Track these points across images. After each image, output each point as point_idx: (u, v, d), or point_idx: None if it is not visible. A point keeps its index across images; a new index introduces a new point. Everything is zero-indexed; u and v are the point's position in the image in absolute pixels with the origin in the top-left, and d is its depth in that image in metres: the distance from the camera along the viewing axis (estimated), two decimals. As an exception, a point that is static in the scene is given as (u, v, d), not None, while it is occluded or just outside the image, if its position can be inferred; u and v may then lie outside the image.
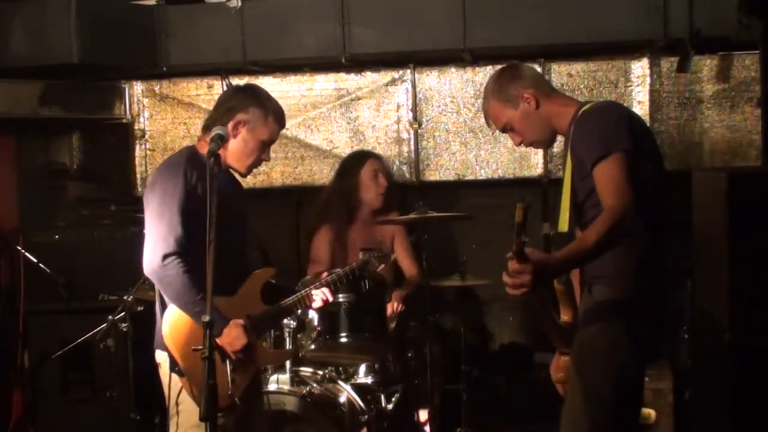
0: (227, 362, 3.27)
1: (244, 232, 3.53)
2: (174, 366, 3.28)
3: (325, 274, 3.63)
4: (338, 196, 4.71)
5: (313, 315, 4.10)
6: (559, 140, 3.28)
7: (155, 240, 3.25)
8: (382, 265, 3.84)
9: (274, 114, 3.40)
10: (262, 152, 3.42)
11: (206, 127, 3.41)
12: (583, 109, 3.03)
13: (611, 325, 2.96)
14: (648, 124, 4.71)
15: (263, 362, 3.49)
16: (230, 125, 3.33)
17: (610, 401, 2.94)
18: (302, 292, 3.53)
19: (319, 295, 3.54)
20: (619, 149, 2.84)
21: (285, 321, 3.94)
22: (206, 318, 2.75)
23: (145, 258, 3.27)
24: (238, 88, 3.50)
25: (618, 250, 2.83)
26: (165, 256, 3.20)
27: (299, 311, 3.62)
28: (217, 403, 3.08)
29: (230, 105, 3.37)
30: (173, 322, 3.29)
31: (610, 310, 2.96)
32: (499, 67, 3.33)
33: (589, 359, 2.96)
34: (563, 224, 2.95)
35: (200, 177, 3.28)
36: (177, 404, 3.32)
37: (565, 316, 3.07)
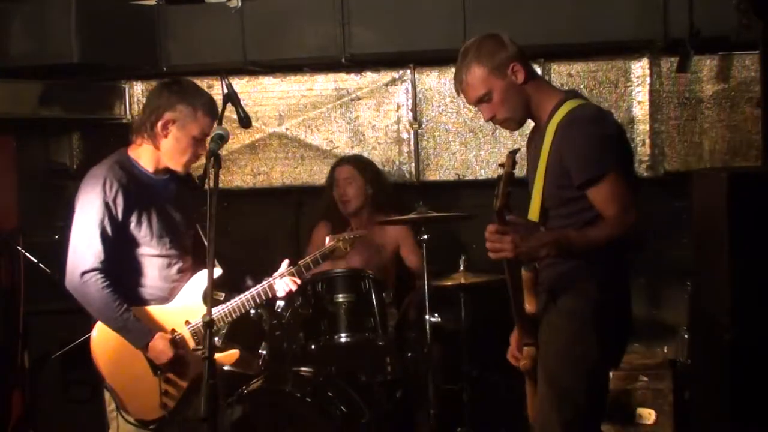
0: (158, 374, 3.30)
1: (186, 235, 3.49)
2: (102, 381, 3.34)
3: (287, 263, 3.57)
4: (331, 205, 4.74)
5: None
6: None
7: (73, 256, 3.26)
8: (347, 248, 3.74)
9: (204, 108, 3.33)
10: (197, 147, 3.36)
11: (135, 129, 3.38)
12: (570, 109, 2.94)
13: (582, 335, 2.95)
14: (648, 124, 4.74)
15: (199, 370, 3.42)
16: (159, 125, 3.29)
17: (583, 406, 2.97)
18: (263, 284, 3.49)
19: (282, 286, 3.51)
20: (614, 168, 2.84)
21: (265, 317, 3.89)
22: (206, 318, 2.76)
23: (66, 273, 3.28)
24: (164, 85, 3.39)
25: (591, 259, 2.88)
26: (83, 273, 3.22)
27: (258, 304, 3.52)
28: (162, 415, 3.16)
29: (156, 104, 3.32)
30: (99, 337, 3.31)
31: (579, 320, 2.95)
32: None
33: (563, 369, 2.96)
34: (533, 214, 2.92)
35: (123, 185, 3.26)
36: (113, 410, 3.39)
37: (529, 306, 3.00)
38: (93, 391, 4.64)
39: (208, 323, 2.74)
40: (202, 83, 5.04)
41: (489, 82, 2.97)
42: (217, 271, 3.43)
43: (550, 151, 2.91)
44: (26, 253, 4.56)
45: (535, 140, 3.09)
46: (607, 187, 2.82)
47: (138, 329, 3.28)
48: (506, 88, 2.97)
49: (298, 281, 3.56)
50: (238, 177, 5.06)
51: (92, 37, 4.61)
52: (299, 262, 3.59)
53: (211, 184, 2.86)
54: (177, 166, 3.38)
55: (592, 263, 2.92)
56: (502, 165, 2.69)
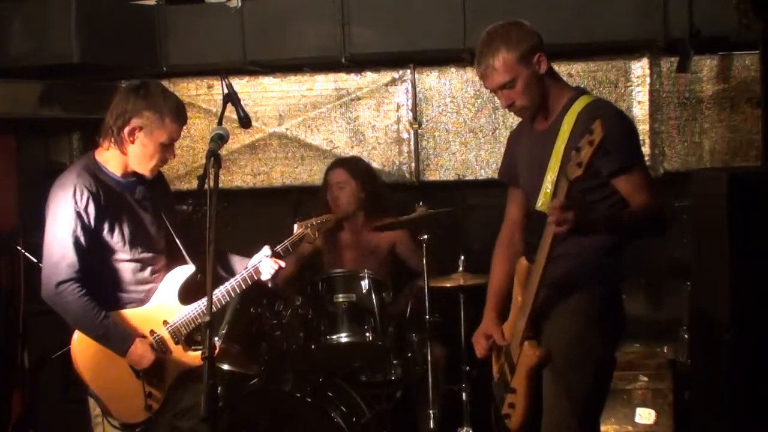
0: (141, 376, 3.30)
1: (158, 235, 3.46)
2: (85, 388, 3.32)
3: (268, 248, 3.56)
4: (325, 206, 4.67)
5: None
6: None
7: (48, 267, 3.24)
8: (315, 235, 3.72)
9: (171, 114, 3.28)
10: (164, 153, 3.33)
11: (102, 132, 3.33)
12: (592, 101, 3.03)
13: (588, 333, 2.99)
14: (648, 124, 4.74)
15: (180, 369, 3.40)
16: (126, 131, 3.26)
17: (591, 403, 3.01)
18: (249, 268, 3.47)
19: (268, 268, 3.48)
20: (641, 160, 3.00)
21: (265, 317, 3.89)
22: (206, 318, 2.76)
23: (41, 284, 3.26)
24: (130, 89, 3.32)
25: (599, 255, 2.95)
26: (58, 284, 3.20)
27: (245, 289, 3.49)
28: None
29: (123, 109, 3.26)
30: (79, 344, 3.31)
31: (586, 317, 2.99)
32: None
33: (571, 366, 2.98)
34: (543, 204, 2.92)
35: (93, 193, 3.24)
36: (97, 416, 3.37)
37: (521, 298, 3.06)
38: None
39: (209, 323, 2.74)
40: (202, 83, 5.08)
41: (515, 70, 2.99)
42: (190, 268, 3.44)
43: (569, 140, 2.93)
44: (26, 253, 4.56)
45: (534, 135, 3.12)
46: (637, 175, 2.92)
47: (117, 335, 3.27)
48: (530, 77, 3.01)
49: (282, 263, 3.54)
50: (238, 177, 5.06)
51: (92, 37, 4.61)
52: (275, 248, 3.57)
53: (211, 184, 2.86)
54: (144, 170, 3.35)
55: (597, 259, 2.98)
56: (590, 131, 2.60)
